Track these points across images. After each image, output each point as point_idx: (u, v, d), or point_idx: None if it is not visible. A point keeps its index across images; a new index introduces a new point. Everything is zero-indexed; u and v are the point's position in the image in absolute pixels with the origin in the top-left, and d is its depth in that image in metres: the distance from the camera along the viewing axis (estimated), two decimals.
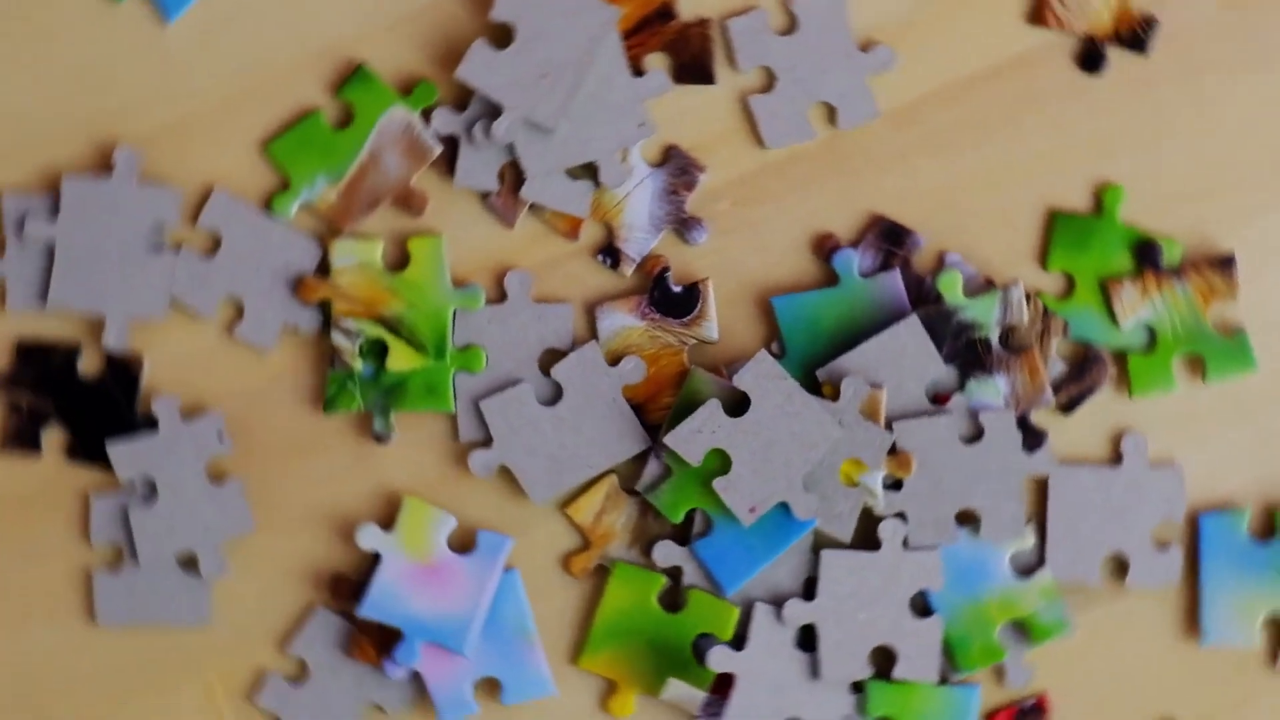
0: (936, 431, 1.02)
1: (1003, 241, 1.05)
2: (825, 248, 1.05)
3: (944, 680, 1.04)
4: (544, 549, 1.05)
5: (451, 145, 1.05)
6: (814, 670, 1.03)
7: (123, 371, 1.06)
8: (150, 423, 1.05)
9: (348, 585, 1.05)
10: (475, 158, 1.04)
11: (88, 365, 1.06)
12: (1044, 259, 1.05)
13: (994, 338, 1.03)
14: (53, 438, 1.06)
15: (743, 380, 1.00)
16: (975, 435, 1.03)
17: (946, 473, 1.02)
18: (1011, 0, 1.06)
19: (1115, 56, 1.06)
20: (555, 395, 1.04)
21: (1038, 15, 1.06)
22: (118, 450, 1.05)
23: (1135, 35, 1.06)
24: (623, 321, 1.04)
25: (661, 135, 1.05)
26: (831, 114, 1.05)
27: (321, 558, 1.06)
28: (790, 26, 1.05)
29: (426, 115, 1.05)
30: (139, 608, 1.05)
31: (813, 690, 1.03)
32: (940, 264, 1.05)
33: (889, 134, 1.05)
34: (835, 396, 1.01)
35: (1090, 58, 1.06)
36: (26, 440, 1.06)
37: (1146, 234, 1.05)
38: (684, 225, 1.05)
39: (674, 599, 1.04)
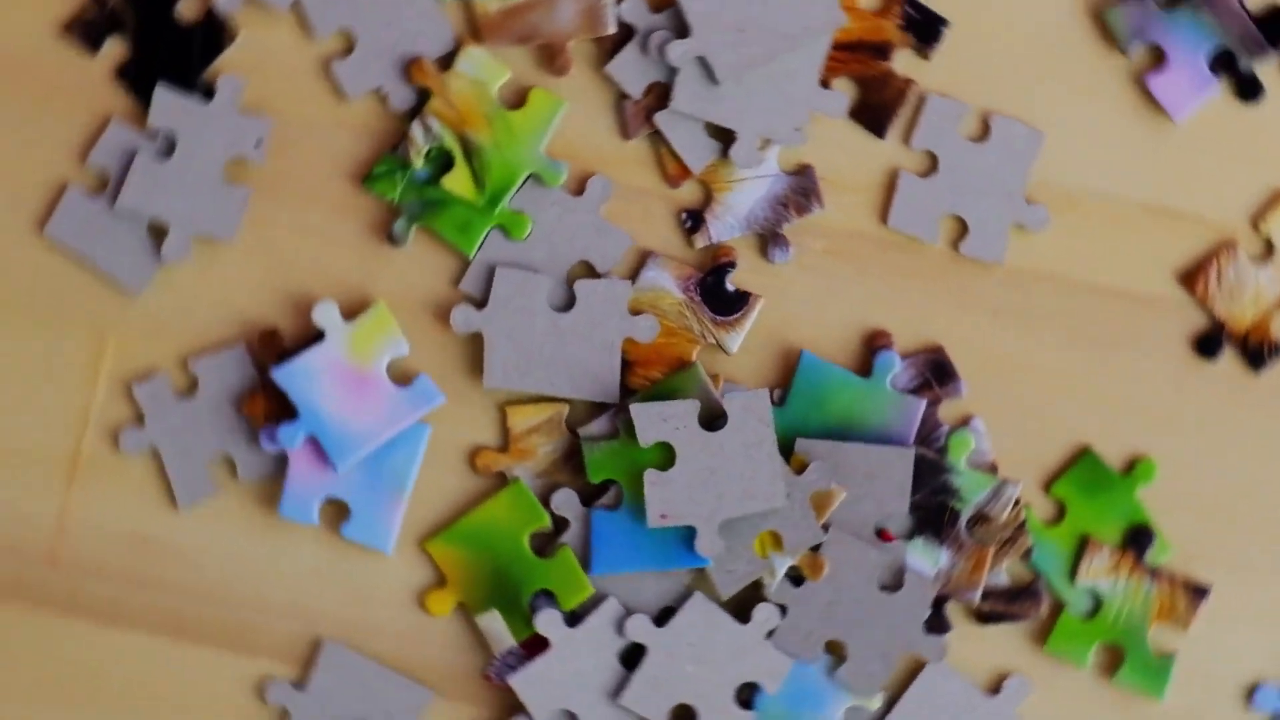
0: (863, 560, 1.00)
1: (1027, 441, 1.04)
2: (875, 343, 1.03)
3: None
4: (463, 428, 1.03)
5: (624, 35, 1.03)
6: (617, 689, 1.01)
7: (214, 32, 1.04)
8: (207, 92, 1.03)
9: (277, 345, 1.03)
10: (636, 59, 1.02)
11: (186, 9, 1.04)
12: (1051, 481, 1.04)
13: (965, 516, 1.02)
14: (114, 49, 1.04)
15: (731, 403, 0.99)
16: (892, 586, 1.01)
17: (846, 601, 1.01)
18: (1174, 248, 1.04)
19: (1229, 355, 1.04)
20: (565, 305, 1.02)
21: (1189, 277, 1.04)
22: (164, 96, 1.03)
23: (1258, 351, 1.04)
24: (664, 283, 1.02)
25: (806, 150, 1.03)
26: (961, 233, 1.03)
27: (271, 306, 1.04)
28: (979, 136, 1.04)
29: None
30: (89, 241, 1.03)
31: (604, 704, 1.01)
32: (963, 422, 1.03)
33: (995, 284, 1.04)
34: (799, 471, 1.00)
35: (1208, 343, 1.04)
36: (91, 36, 1.04)
37: (1149, 522, 1.03)
38: (773, 239, 1.03)
39: (544, 545, 1.02)
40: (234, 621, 1.04)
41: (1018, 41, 1.04)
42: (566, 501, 1.02)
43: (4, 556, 1.04)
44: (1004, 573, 1.03)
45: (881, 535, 1.01)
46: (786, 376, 1.03)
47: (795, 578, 1.01)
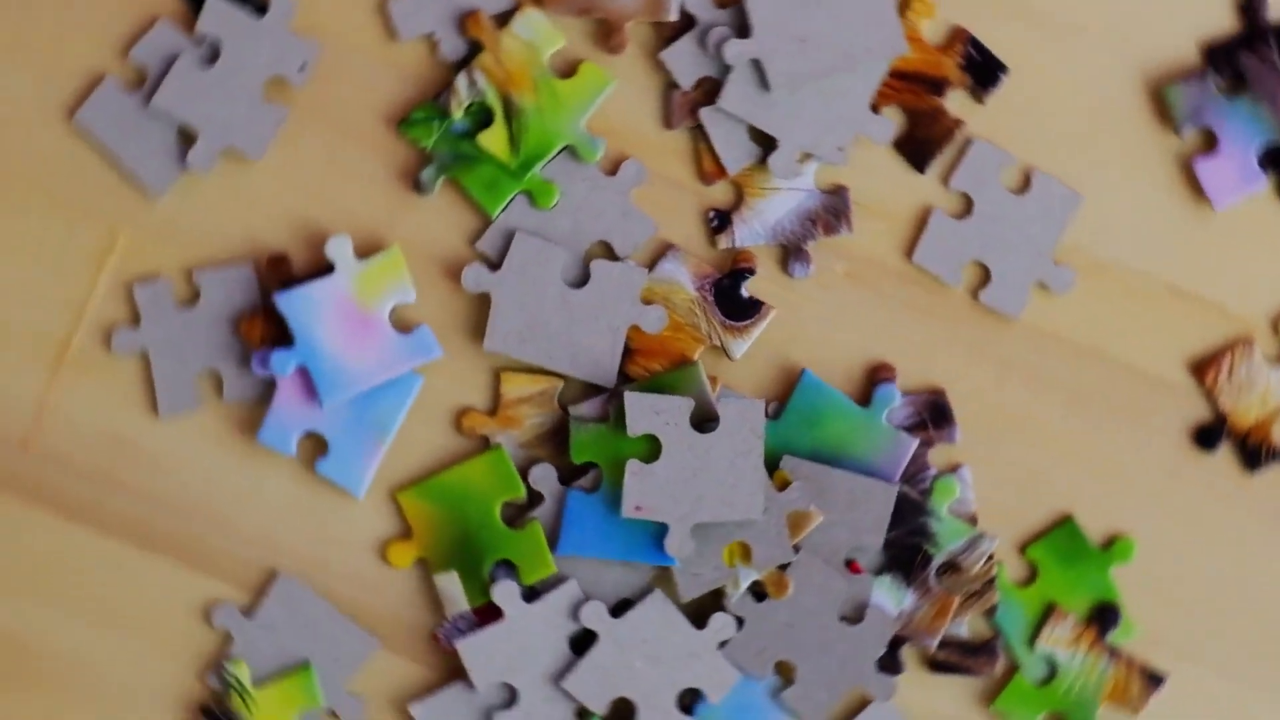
0: (828, 587, 1.00)
1: (1012, 498, 1.03)
2: (878, 374, 1.02)
3: None
4: (455, 387, 1.03)
5: (684, 25, 1.02)
6: (561, 672, 1.00)
7: None
8: (260, 7, 1.02)
9: (285, 271, 1.02)
10: (692, 50, 1.01)
11: None
12: (1028, 542, 1.03)
13: (937, 561, 1.01)
14: None
15: (725, 408, 0.98)
16: (853, 618, 1.00)
17: (804, 625, 1.00)
18: (1192, 334, 1.04)
19: (1227, 450, 1.03)
20: (578, 282, 1.01)
21: (1202, 365, 1.03)
22: (216, 4, 1.02)
23: (1256, 451, 1.03)
24: (680, 278, 1.02)
25: (844, 171, 1.03)
26: (983, 280, 1.03)
27: (286, 232, 1.03)
28: (1018, 188, 1.03)
29: None
30: (117, 135, 1.02)
31: (544, 684, 1.00)
32: (951, 469, 1.02)
33: (1008, 338, 1.03)
34: (780, 488, 0.99)
35: (1208, 435, 1.03)
36: None
37: (1118, 601, 1.02)
38: (795, 254, 1.02)
39: (515, 516, 1.02)
40: (194, 538, 1.03)
41: (1073, 102, 1.03)
42: (544, 476, 1.01)
43: None
44: (965, 625, 1.02)
45: (850, 566, 1.01)
46: (784, 392, 1.02)
47: (758, 593, 1.00)
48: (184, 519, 1.03)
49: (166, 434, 1.03)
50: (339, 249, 1.01)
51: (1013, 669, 1.03)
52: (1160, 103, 1.03)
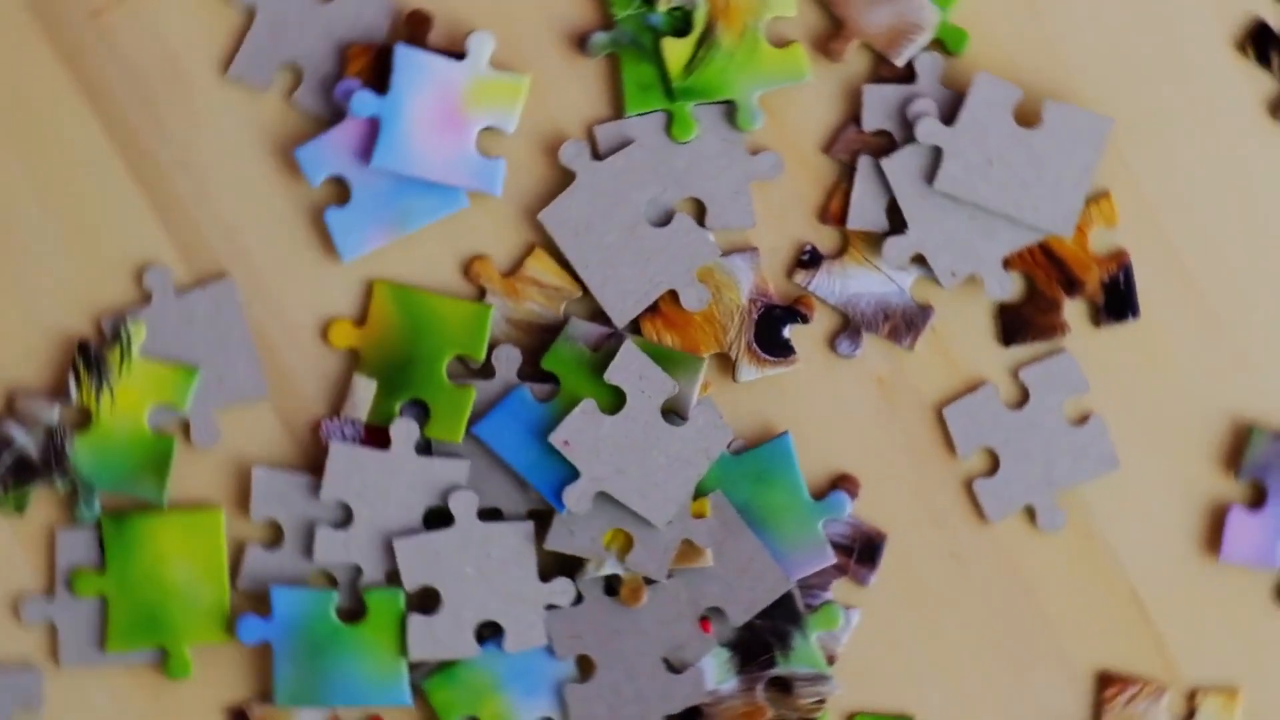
0: (673, 627, 0.98)
1: (875, 667, 1.02)
2: (842, 483, 1.01)
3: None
4: (487, 234, 1.01)
5: (900, 74, 0.99)
6: (398, 533, 0.98)
7: None
8: None
9: (419, 31, 0.99)
10: (892, 103, 0.99)
11: None
12: (862, 713, 1.01)
13: (775, 671, 0.99)
14: None
15: (697, 416, 0.97)
16: (675, 667, 0.99)
17: (630, 643, 0.98)
18: (1119, 648, 1.02)
19: None
20: (656, 221, 0.99)
21: (1108, 679, 1.02)
22: None
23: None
24: (742, 280, 0.99)
25: (940, 294, 1.00)
26: (988, 471, 1.01)
27: (438, 4, 1.00)
28: (1075, 421, 1.01)
29: (940, 47, 0.99)
30: None
31: (375, 532, 0.98)
32: (845, 606, 1.01)
33: (970, 530, 1.02)
34: (694, 515, 0.98)
35: None
36: None
37: None
38: (851, 333, 1.00)
39: (459, 374, 1.00)
40: (178, 196, 1.01)
41: (1168, 386, 1.01)
42: (508, 359, 0.99)
43: None
44: None
45: (703, 622, 0.99)
46: (752, 439, 1.00)
47: (610, 587, 0.98)
48: (180, 173, 1.01)
49: (219, 92, 1.01)
50: (480, 45, 0.98)
51: None
52: (1239, 439, 1.01)
